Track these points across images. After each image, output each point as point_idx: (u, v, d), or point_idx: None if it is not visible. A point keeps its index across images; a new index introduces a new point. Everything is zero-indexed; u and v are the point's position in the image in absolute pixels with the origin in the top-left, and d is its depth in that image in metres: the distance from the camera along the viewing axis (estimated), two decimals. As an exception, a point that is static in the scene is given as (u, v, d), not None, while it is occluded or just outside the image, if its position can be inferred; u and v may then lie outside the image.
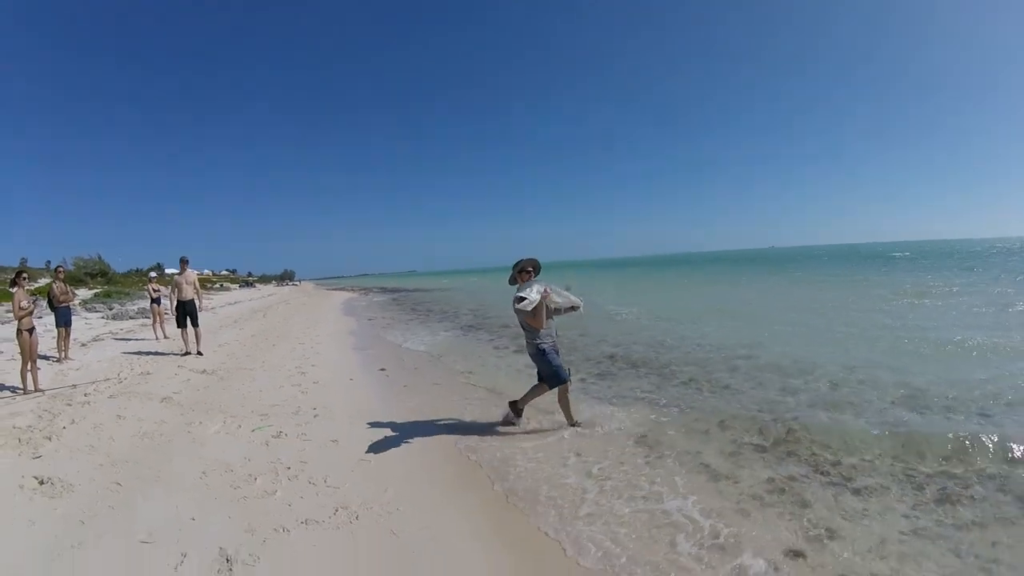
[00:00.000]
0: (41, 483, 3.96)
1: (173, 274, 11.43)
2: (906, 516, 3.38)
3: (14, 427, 5.42)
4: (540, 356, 5.34)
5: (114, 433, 5.29)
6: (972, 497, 3.57)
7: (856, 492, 3.73)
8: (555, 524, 3.40)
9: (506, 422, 5.55)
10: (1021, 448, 4.19)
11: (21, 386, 7.22)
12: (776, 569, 2.84)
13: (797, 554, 2.98)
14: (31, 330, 7.38)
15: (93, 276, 29.62)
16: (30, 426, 5.46)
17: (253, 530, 3.30)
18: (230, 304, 28.98)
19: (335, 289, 60.49)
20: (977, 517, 3.31)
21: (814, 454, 4.47)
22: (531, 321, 5.25)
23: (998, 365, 6.94)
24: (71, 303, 10.34)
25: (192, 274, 10.93)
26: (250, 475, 4.23)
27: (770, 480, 3.97)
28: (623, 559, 2.96)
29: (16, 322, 7.43)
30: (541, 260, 5.52)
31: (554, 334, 5.48)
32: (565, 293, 5.48)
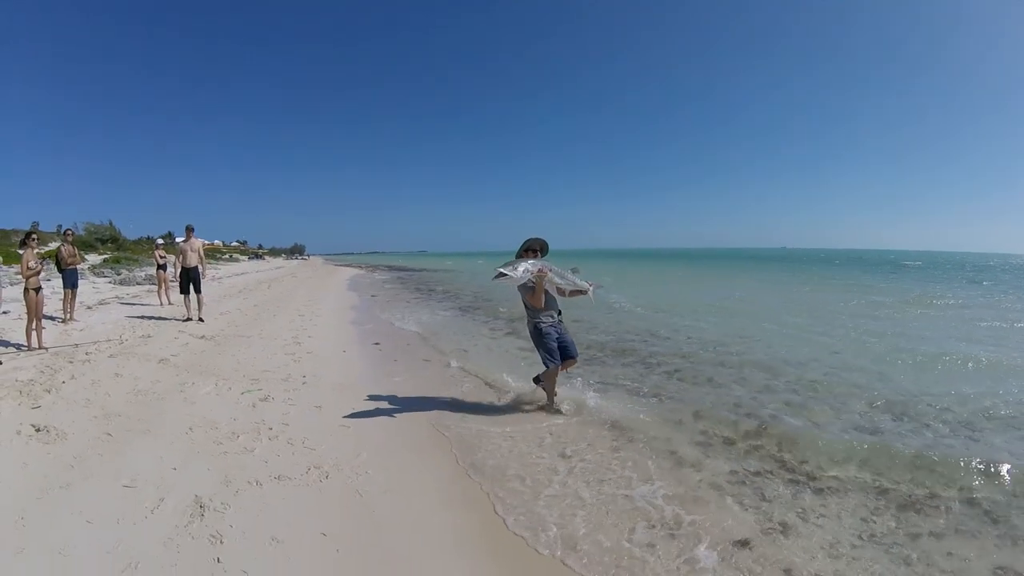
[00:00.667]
0: (37, 430, 4.23)
1: (179, 242, 11.67)
2: (864, 520, 3.38)
3: (16, 380, 5.70)
4: (536, 335, 5.40)
5: (110, 389, 5.56)
6: (936, 508, 3.55)
7: (817, 492, 3.75)
8: (513, 502, 3.49)
9: (540, 406, 5.55)
10: (993, 465, 4.10)
11: (26, 343, 7.51)
12: (721, 557, 2.92)
13: (744, 544, 3.06)
14: (38, 289, 7.66)
15: (104, 242, 29.97)
16: (31, 380, 5.74)
17: (229, 482, 3.54)
18: (237, 275, 29.40)
19: (343, 265, 60.86)
20: (936, 528, 3.29)
21: (781, 451, 4.47)
22: (530, 299, 5.28)
23: (990, 381, 6.78)
24: (78, 266, 10.63)
25: (197, 242, 11.17)
26: (233, 433, 4.47)
27: (733, 472, 4.04)
28: (576, 533, 3.14)
29: (24, 281, 7.72)
30: (553, 246, 5.47)
31: (556, 316, 5.47)
32: (570, 276, 5.43)
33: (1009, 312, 14.49)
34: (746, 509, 3.48)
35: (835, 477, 4.01)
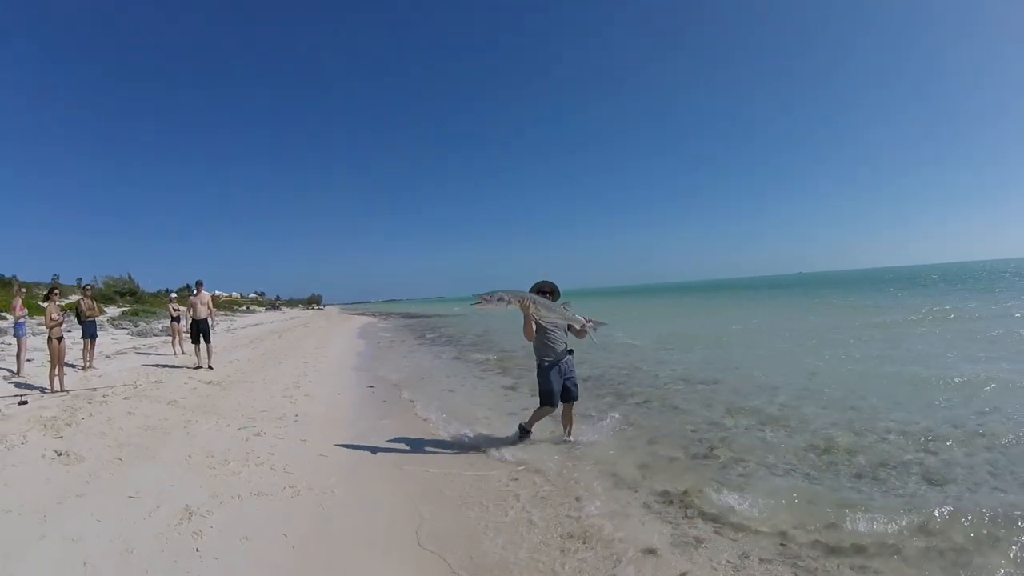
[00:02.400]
0: (59, 455, 4.96)
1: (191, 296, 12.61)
2: (782, 533, 3.49)
3: (41, 416, 6.47)
4: (538, 372, 5.61)
5: (123, 425, 6.30)
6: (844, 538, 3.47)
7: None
8: (442, 523, 4.08)
9: (520, 437, 5.77)
10: (944, 508, 3.69)
11: (49, 386, 8.32)
12: (618, 560, 3.20)
13: (650, 552, 3.30)
14: (60, 339, 8.54)
15: (122, 295, 31.20)
16: (54, 416, 6.50)
17: (215, 495, 4.21)
18: (251, 326, 30.42)
19: (357, 314, 62.09)
20: (855, 551, 3.27)
21: (724, 468, 4.80)
22: (525, 333, 5.47)
23: (961, 405, 6.52)
24: (96, 318, 11.56)
25: (206, 295, 12.11)
26: (225, 460, 5.15)
27: (664, 493, 4.27)
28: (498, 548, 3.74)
29: (47, 331, 8.61)
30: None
31: (558, 352, 5.59)
32: (559, 309, 5.52)
33: (1004, 320, 14.58)
34: (667, 523, 3.75)
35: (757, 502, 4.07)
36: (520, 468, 4.95)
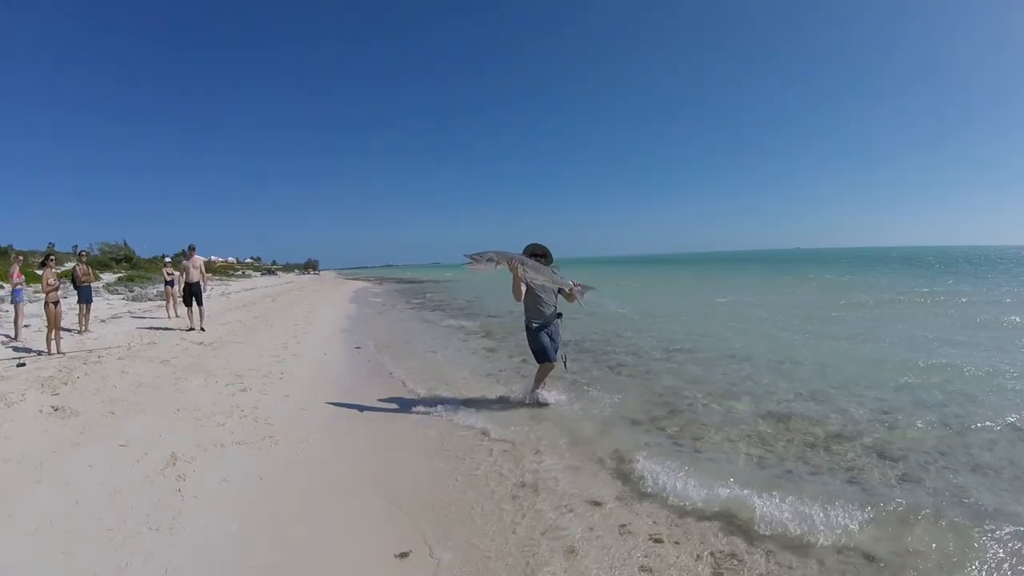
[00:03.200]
0: (55, 410, 5.32)
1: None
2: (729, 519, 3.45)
3: (39, 377, 6.82)
4: (527, 332, 5.82)
5: (116, 383, 6.66)
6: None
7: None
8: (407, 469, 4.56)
9: (532, 402, 5.87)
10: (893, 489, 3.77)
11: (46, 350, 8.66)
12: (571, 510, 3.45)
13: (597, 504, 3.55)
14: (56, 303, 8.84)
15: (118, 261, 31.40)
16: (51, 376, 6.85)
17: (200, 444, 4.58)
18: (245, 290, 30.70)
19: (353, 279, 62.34)
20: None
21: (681, 430, 5.00)
22: (514, 295, 5.64)
23: (945, 387, 6.39)
24: (91, 283, 11.85)
25: (198, 259, 12.36)
26: (212, 413, 5.52)
27: (616, 450, 4.49)
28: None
29: (44, 296, 8.91)
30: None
31: (547, 315, 5.78)
32: (547, 272, 5.63)
33: (984, 306, 14.36)
34: (613, 479, 3.98)
35: (723, 451, 4.47)
36: (488, 425, 5.21)
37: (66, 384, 6.42)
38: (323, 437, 4.99)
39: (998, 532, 3.08)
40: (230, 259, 75.77)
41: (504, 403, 6.05)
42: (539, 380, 5.91)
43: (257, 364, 8.21)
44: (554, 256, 6.00)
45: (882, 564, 2.84)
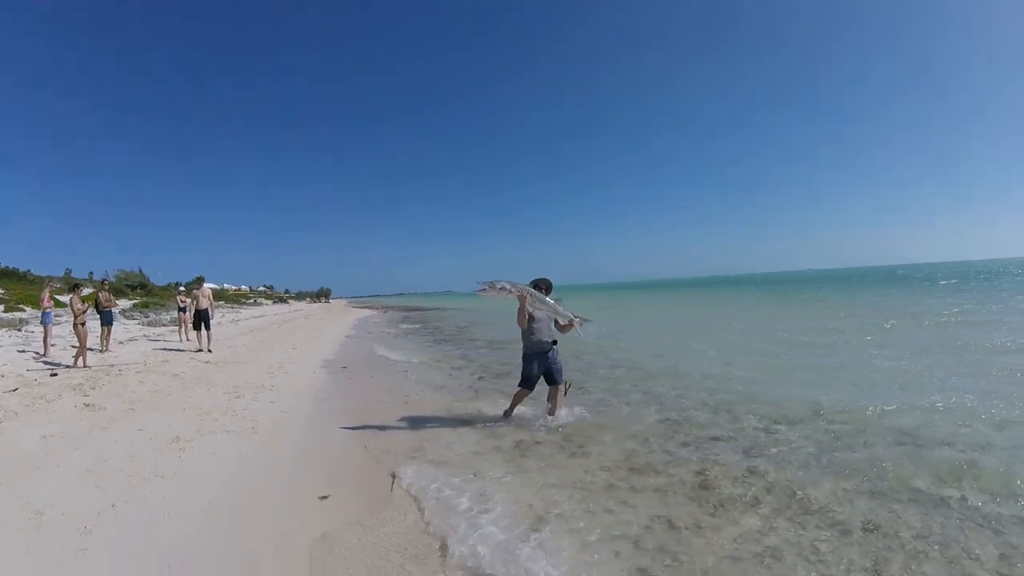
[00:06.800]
0: (86, 405, 6.72)
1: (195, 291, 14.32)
2: (666, 502, 4.02)
3: (71, 384, 8.26)
4: (523, 359, 6.19)
5: (135, 389, 8.06)
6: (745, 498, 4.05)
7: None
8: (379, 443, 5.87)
9: (505, 415, 6.36)
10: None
11: (73, 364, 10.10)
12: (513, 525, 3.66)
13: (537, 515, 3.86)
14: (83, 324, 10.33)
15: (133, 288, 33.00)
16: (81, 383, 8.28)
17: (198, 431, 5.93)
18: (255, 317, 32.33)
19: (361, 307, 64.15)
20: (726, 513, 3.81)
21: (592, 434, 5.94)
22: (518, 321, 6.01)
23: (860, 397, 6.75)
24: (113, 308, 13.38)
25: (207, 288, 13.94)
26: (210, 411, 6.87)
27: (520, 440, 5.67)
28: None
29: (74, 319, 10.42)
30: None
31: (543, 344, 6.11)
32: (551, 303, 5.95)
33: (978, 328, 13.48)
34: (509, 461, 5.01)
35: (648, 456, 5.02)
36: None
37: (94, 389, 7.84)
38: (296, 430, 6.32)
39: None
40: (243, 287, 77.86)
41: (448, 420, 6.98)
42: (515, 402, 6.32)
43: (253, 379, 9.58)
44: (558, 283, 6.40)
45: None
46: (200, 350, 13.33)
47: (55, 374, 9.14)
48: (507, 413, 6.41)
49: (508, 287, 5.74)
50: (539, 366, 6.16)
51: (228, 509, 4.00)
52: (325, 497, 4.23)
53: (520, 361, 6.38)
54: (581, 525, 3.63)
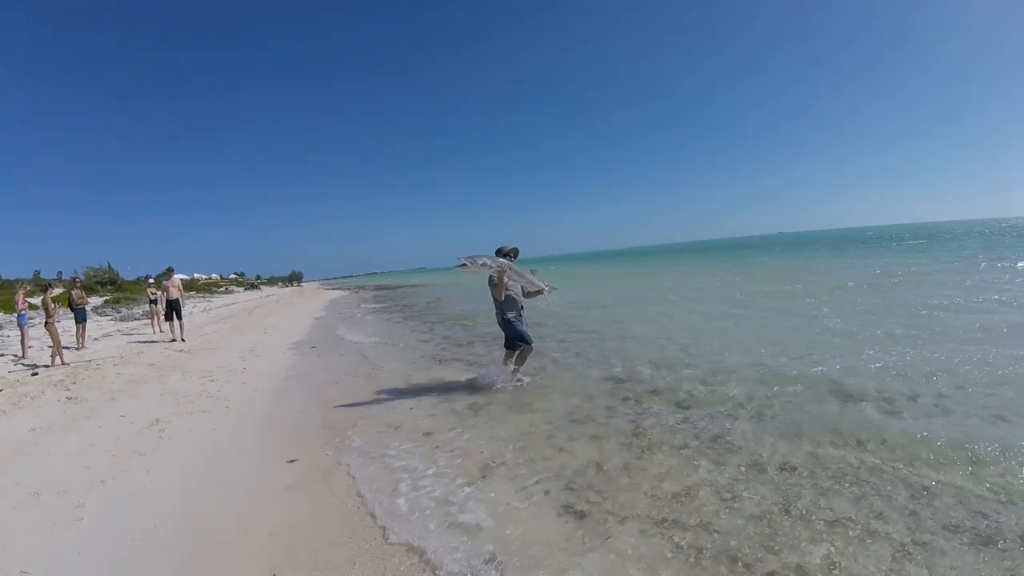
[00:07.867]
0: (69, 399, 7.29)
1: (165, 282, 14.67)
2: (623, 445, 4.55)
3: (52, 380, 8.77)
4: (507, 325, 6.46)
5: (113, 380, 8.62)
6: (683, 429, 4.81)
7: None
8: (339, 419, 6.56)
9: (507, 380, 6.62)
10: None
11: (51, 363, 10.56)
12: (469, 484, 3.98)
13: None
14: (56, 322, 10.77)
15: (103, 284, 32.75)
16: (61, 379, 8.80)
17: (176, 413, 6.56)
18: (226, 305, 32.58)
19: (334, 289, 64.25)
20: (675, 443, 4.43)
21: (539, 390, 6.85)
22: (495, 293, 6.25)
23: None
24: (86, 305, 13.75)
25: (177, 279, 14.37)
26: (186, 395, 7.49)
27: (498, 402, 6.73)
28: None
29: (46, 318, 10.85)
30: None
31: (519, 310, 6.51)
32: (528, 275, 6.27)
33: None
34: (462, 421, 5.96)
35: (609, 400, 5.85)
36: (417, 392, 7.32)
37: (75, 383, 8.38)
38: (266, 407, 6.97)
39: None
40: (213, 276, 77.11)
41: (413, 380, 8.04)
42: (520, 362, 6.63)
43: (225, 363, 10.17)
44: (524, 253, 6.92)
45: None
46: (174, 340, 13.80)
47: (36, 373, 9.61)
48: (514, 372, 6.67)
49: (489, 262, 5.96)
50: (521, 324, 6.52)
51: (204, 474, 4.69)
52: (293, 461, 4.92)
53: (500, 331, 6.80)
54: (523, 472, 4.23)
